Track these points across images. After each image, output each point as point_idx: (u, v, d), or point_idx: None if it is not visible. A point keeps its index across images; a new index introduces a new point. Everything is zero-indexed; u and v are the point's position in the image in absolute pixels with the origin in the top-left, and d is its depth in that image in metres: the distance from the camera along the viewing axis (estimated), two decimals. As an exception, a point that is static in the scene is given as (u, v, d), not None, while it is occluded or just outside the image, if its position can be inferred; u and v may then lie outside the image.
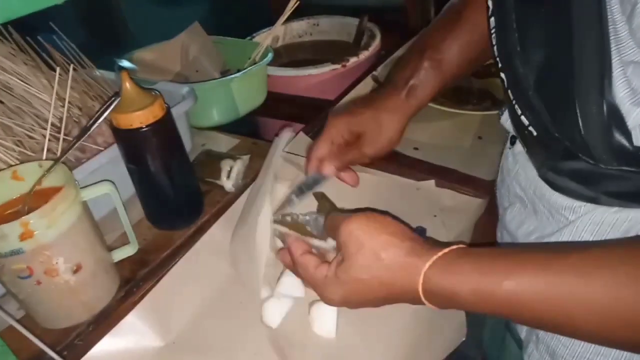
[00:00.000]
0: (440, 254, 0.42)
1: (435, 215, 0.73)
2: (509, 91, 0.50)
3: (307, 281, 0.52)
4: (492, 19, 0.50)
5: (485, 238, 0.69)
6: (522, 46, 0.45)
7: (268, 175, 0.68)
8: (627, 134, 0.40)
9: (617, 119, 0.39)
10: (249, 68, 0.98)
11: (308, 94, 1.11)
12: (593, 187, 0.48)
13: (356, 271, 0.46)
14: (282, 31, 1.32)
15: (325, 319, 0.58)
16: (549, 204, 0.55)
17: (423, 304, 0.44)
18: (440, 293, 0.42)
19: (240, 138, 0.94)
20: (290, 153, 0.79)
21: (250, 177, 0.82)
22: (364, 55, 1.12)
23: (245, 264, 0.64)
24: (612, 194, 0.47)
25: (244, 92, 1.00)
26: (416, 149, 0.89)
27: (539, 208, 0.57)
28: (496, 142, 0.90)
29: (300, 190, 0.67)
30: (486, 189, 0.77)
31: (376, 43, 1.18)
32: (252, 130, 1.18)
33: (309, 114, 0.99)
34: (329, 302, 0.50)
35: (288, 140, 0.82)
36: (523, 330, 0.64)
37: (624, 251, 0.38)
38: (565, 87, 0.41)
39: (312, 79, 1.10)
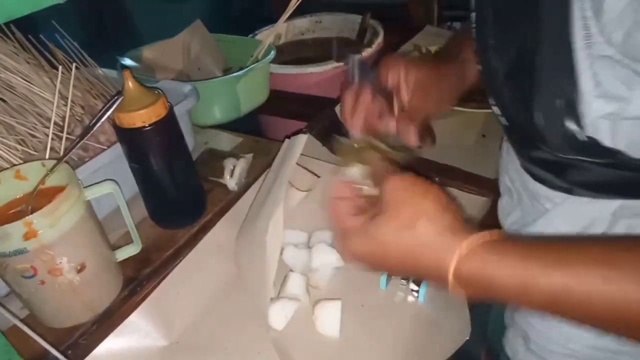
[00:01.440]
0: (480, 238, 0.39)
1: (438, 214, 0.73)
2: (484, 82, 0.52)
3: (336, 225, 0.48)
4: (473, 15, 0.51)
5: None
6: (496, 40, 0.47)
7: (282, 180, 0.67)
8: (579, 124, 0.41)
9: (570, 109, 0.41)
10: (251, 66, 0.98)
11: (311, 91, 1.11)
12: (561, 177, 0.50)
13: (386, 231, 0.43)
14: (285, 28, 1.32)
15: (330, 319, 0.58)
16: (531, 193, 0.56)
17: (446, 285, 0.40)
18: (474, 279, 0.39)
19: (243, 136, 0.94)
20: (305, 155, 0.77)
21: (253, 175, 0.82)
22: (367, 52, 1.12)
23: (254, 267, 0.63)
24: (579, 184, 0.49)
25: (247, 90, 0.99)
26: (420, 146, 0.89)
27: (523, 198, 0.58)
28: (500, 140, 0.90)
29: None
30: (490, 188, 0.76)
31: (379, 40, 1.17)
32: (254, 129, 1.18)
33: (312, 111, 0.98)
34: (347, 253, 0.46)
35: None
36: (507, 316, 0.65)
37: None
38: (529, 79, 0.43)
39: (315, 76, 1.09)
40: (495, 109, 0.51)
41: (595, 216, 0.50)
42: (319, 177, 0.77)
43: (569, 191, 0.50)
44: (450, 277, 0.39)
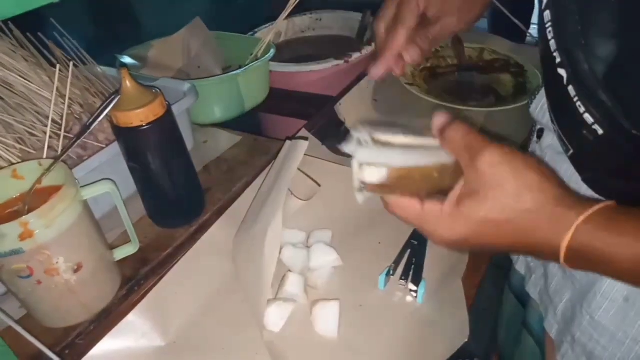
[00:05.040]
0: (597, 207, 0.37)
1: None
2: (569, 88, 0.46)
3: (411, 220, 0.45)
4: (547, 13, 0.46)
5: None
6: (586, 39, 0.42)
7: (282, 187, 0.66)
8: None
9: None
10: (251, 64, 0.97)
11: (310, 90, 1.10)
12: None
13: (490, 209, 0.40)
14: (285, 26, 1.31)
15: (328, 319, 0.58)
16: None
17: (557, 260, 0.39)
18: (590, 253, 0.37)
19: (243, 135, 0.93)
20: (304, 155, 0.74)
21: (252, 174, 0.82)
22: (366, 50, 1.11)
23: (251, 272, 0.63)
24: None
25: (247, 88, 0.99)
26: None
27: None
28: (500, 139, 0.89)
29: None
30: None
31: (379, 38, 1.16)
32: (254, 127, 1.17)
33: (312, 110, 0.98)
34: (440, 240, 0.44)
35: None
36: (553, 330, 0.62)
37: None
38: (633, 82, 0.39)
39: (315, 74, 1.09)
40: (587, 117, 0.45)
41: None
42: (319, 185, 0.77)
43: None
44: (564, 250, 0.38)
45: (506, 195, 0.39)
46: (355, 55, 1.09)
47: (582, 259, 0.38)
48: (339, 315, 0.58)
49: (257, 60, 1.01)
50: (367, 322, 0.59)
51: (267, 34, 1.07)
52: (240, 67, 0.98)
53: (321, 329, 0.58)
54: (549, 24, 0.46)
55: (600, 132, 0.44)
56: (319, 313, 0.59)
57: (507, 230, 0.40)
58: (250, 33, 1.21)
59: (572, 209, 0.38)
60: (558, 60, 0.46)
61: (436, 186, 0.44)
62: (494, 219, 0.40)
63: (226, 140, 0.92)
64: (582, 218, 0.37)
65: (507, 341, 0.89)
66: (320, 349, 0.57)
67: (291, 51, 1.29)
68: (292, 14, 1.09)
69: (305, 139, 0.75)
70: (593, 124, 0.45)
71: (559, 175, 0.41)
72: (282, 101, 1.09)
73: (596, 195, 0.51)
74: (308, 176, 0.77)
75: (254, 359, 0.56)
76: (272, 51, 1.02)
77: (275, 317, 0.59)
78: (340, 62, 1.08)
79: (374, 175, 0.42)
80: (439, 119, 0.46)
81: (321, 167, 0.79)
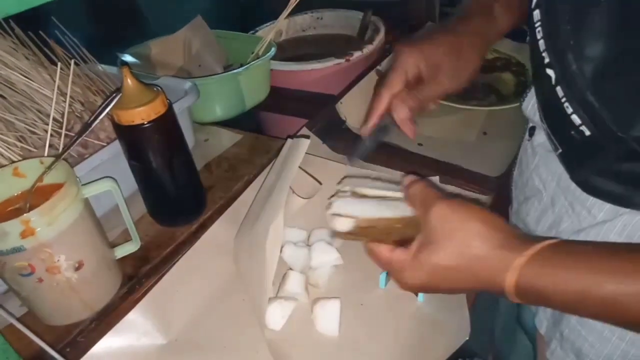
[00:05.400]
0: (535, 249, 0.40)
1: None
2: (557, 88, 0.46)
3: (382, 265, 0.50)
4: (537, 12, 0.47)
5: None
6: (576, 40, 0.42)
7: (283, 185, 0.66)
8: None
9: None
10: (252, 63, 0.97)
11: (311, 88, 1.10)
12: None
13: (442, 258, 0.44)
14: (286, 25, 1.31)
15: (328, 317, 0.58)
16: (574, 196, 0.53)
17: (503, 295, 0.42)
18: (533, 290, 0.40)
19: (243, 133, 0.93)
20: (306, 153, 0.74)
21: (253, 173, 0.82)
22: (367, 49, 1.11)
23: (253, 270, 0.63)
24: None
25: (248, 87, 0.99)
26: (420, 144, 0.88)
27: (560, 201, 0.56)
28: (501, 138, 0.89)
29: (365, 144, 0.62)
30: (491, 186, 0.76)
31: (380, 37, 1.17)
32: (255, 126, 1.17)
33: (312, 108, 0.98)
34: (406, 287, 0.48)
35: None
36: (543, 326, 0.63)
37: None
38: (634, 80, 0.40)
39: (316, 73, 1.09)
40: (574, 118, 0.45)
41: None
42: (321, 184, 0.77)
43: (638, 206, 0.48)
44: (507, 289, 0.41)
45: (455, 245, 0.43)
46: (356, 54, 1.09)
47: (530, 296, 0.41)
48: (339, 314, 0.58)
49: (258, 58, 1.01)
50: (368, 321, 0.59)
51: (268, 33, 1.07)
52: (241, 66, 0.98)
53: (322, 327, 0.58)
54: (538, 23, 0.47)
55: (588, 133, 0.45)
56: (319, 311, 0.59)
57: (460, 275, 0.44)
58: (251, 32, 1.21)
59: (515, 251, 0.41)
60: (547, 60, 0.47)
61: (400, 235, 0.48)
62: (447, 266, 0.44)
63: (227, 138, 0.92)
64: (524, 259, 0.40)
65: (503, 339, 0.89)
66: (321, 348, 0.57)
67: (292, 50, 1.29)
68: (293, 12, 1.09)
69: (307, 137, 0.75)
70: (580, 125, 0.46)
71: (504, 221, 0.44)
72: (283, 100, 1.09)
73: (585, 194, 0.52)
74: (309, 174, 0.77)
75: (255, 357, 0.56)
76: (273, 50, 1.02)
77: (276, 315, 0.59)
78: (341, 60, 1.08)
79: (343, 224, 0.48)
80: (407, 179, 0.51)
81: (322, 166, 0.80)
